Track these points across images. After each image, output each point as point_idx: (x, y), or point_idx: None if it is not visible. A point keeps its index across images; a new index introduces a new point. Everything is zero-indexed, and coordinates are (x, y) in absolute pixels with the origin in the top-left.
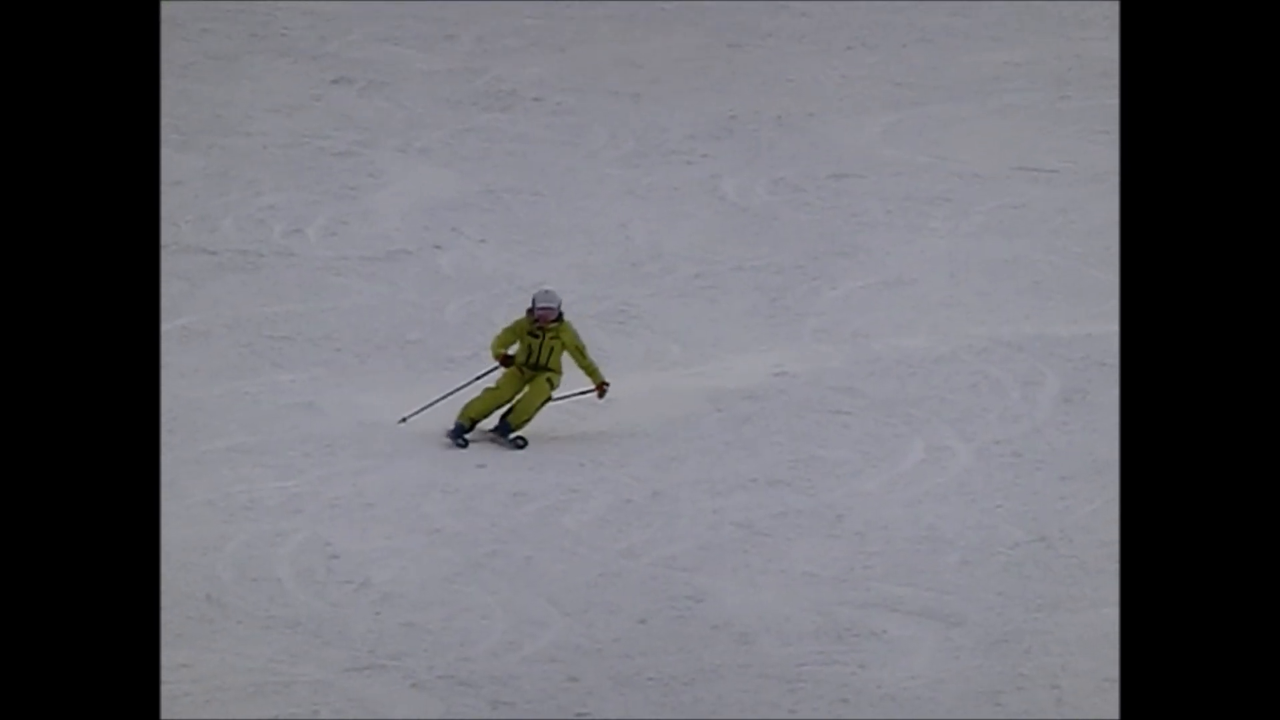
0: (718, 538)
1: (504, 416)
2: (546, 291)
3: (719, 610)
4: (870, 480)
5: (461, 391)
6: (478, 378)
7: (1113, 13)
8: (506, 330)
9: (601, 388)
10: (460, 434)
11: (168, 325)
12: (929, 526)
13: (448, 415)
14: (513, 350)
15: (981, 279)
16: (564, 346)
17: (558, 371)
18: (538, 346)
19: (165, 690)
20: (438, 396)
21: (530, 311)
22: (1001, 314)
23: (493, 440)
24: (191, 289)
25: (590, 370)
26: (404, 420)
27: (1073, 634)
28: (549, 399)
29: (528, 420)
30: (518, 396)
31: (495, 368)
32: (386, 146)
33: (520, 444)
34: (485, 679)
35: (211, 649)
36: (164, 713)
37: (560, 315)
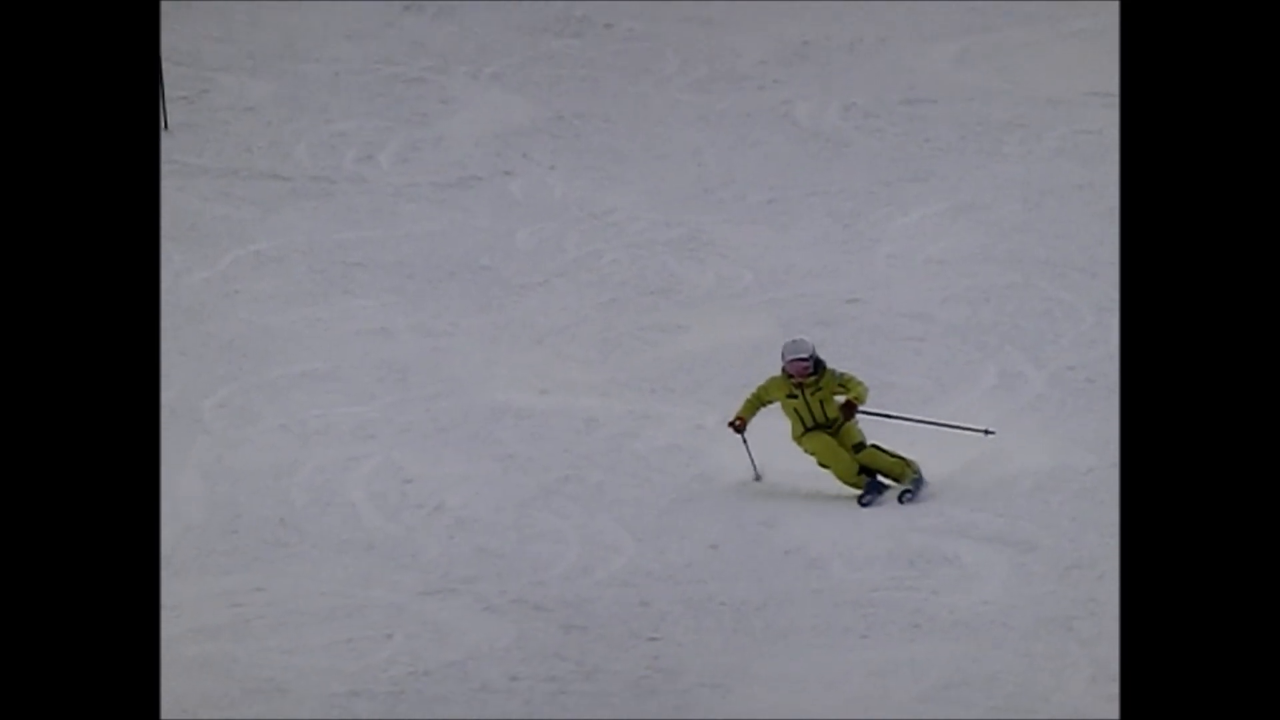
0: (789, 463)
1: (895, 481)
2: (795, 341)
3: (790, 536)
4: (942, 406)
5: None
6: (751, 459)
7: None
8: (761, 388)
9: (850, 405)
10: (879, 489)
11: (241, 251)
12: (1002, 452)
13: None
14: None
15: (1055, 204)
16: (832, 389)
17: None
18: (804, 407)
19: (239, 614)
20: (756, 475)
21: (784, 370)
22: (1075, 239)
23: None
24: (264, 215)
25: (855, 387)
26: (758, 477)
27: None
28: (875, 446)
29: (895, 456)
30: (864, 464)
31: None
32: (458, 73)
33: (922, 483)
34: (557, 603)
35: (285, 573)
36: (237, 636)
37: (818, 364)
